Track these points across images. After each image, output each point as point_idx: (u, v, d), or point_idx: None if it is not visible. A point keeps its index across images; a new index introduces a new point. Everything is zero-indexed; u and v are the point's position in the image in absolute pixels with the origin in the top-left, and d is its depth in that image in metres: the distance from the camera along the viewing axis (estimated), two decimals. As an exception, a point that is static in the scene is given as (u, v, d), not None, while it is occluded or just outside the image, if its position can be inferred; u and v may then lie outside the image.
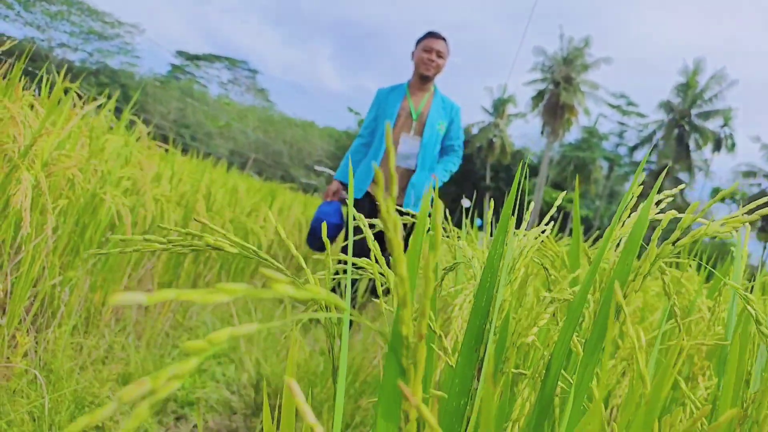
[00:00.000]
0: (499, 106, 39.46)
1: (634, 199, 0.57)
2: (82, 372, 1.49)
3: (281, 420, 0.47)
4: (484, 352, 0.46)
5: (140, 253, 1.93)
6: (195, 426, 1.46)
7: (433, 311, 0.57)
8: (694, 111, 32.92)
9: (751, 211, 0.46)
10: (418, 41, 2.91)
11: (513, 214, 0.53)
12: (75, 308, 1.54)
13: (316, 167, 29.15)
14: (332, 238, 2.80)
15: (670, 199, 0.54)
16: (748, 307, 0.50)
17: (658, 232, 0.51)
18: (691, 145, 32.89)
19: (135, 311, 1.85)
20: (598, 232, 1.53)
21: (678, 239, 0.47)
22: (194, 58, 41.56)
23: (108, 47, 34.11)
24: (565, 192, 0.67)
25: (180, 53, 41.91)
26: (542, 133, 36.01)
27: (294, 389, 0.27)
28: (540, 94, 35.74)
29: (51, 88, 1.78)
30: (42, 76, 1.82)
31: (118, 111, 2.64)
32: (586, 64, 34.67)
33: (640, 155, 35.63)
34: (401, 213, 2.73)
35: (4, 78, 1.60)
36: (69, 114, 1.73)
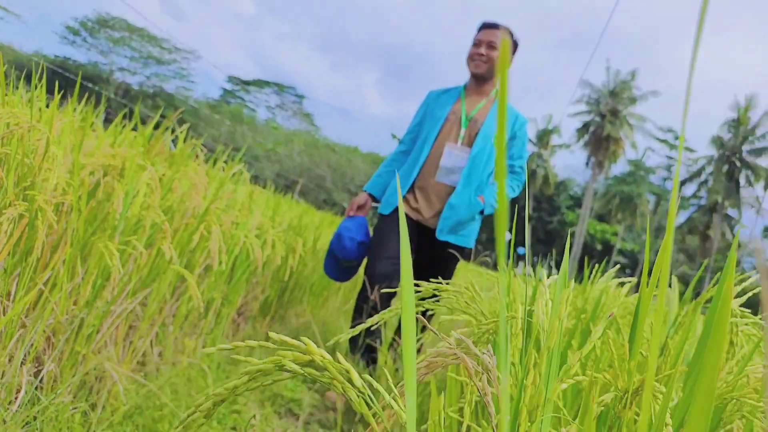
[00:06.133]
0: (543, 137, 39.63)
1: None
2: (222, 366, 1.95)
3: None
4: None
5: (249, 279, 2.40)
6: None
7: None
8: (745, 147, 32.28)
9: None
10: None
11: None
12: (216, 319, 2.02)
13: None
14: (356, 257, 2.30)
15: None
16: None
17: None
18: (742, 181, 32.16)
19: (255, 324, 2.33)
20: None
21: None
22: (245, 83, 43.36)
23: (165, 72, 36.17)
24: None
25: (231, 78, 43.80)
26: (587, 164, 35.91)
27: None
28: (585, 126, 35.73)
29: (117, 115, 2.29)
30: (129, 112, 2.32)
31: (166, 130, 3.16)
32: (633, 97, 34.56)
33: (688, 190, 35.02)
34: (435, 241, 2.25)
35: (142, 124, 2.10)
36: (204, 171, 2.22)
